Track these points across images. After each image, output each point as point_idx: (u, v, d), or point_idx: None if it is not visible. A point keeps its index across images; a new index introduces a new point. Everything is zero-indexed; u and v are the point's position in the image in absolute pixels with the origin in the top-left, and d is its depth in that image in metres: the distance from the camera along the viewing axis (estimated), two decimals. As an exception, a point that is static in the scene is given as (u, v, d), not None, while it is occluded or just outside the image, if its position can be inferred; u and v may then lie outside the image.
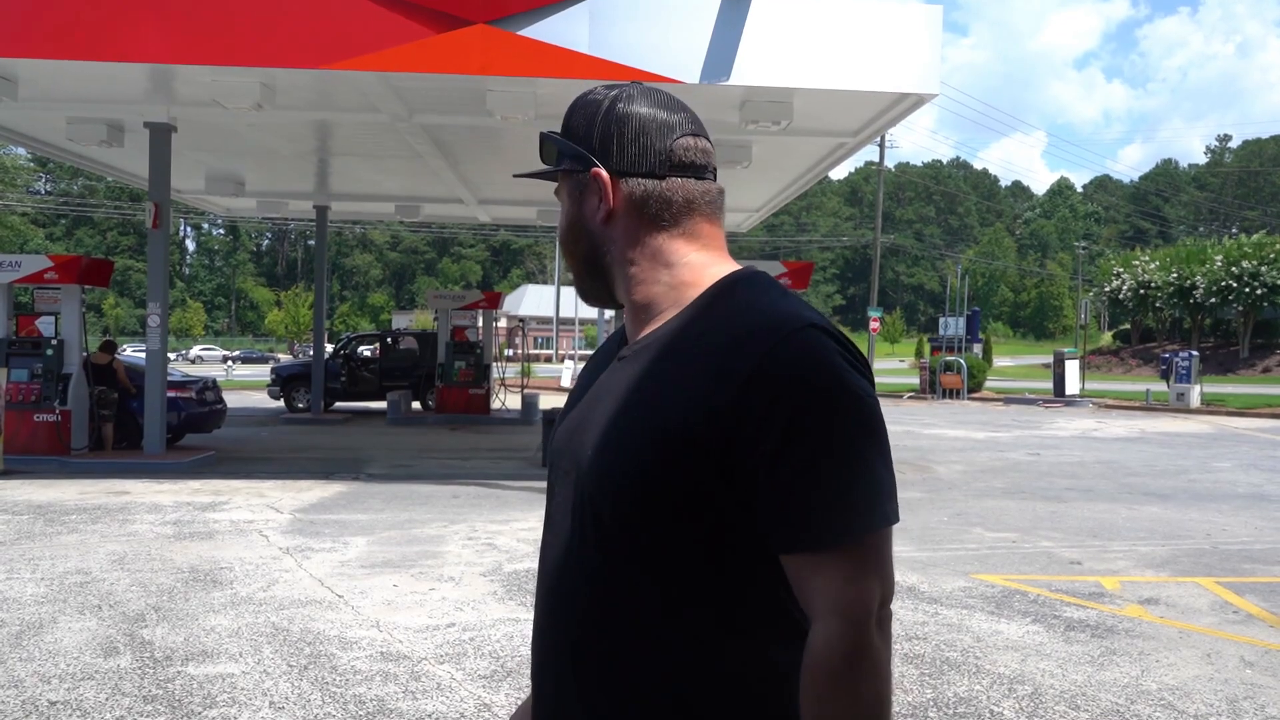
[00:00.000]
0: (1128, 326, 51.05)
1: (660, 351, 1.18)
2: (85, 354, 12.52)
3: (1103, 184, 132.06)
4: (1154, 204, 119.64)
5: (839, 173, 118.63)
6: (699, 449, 1.09)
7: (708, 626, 1.12)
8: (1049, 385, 28.27)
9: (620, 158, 1.24)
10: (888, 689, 1.07)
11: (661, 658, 1.13)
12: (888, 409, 23.31)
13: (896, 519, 1.10)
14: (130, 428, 12.90)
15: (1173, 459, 14.10)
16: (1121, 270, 46.30)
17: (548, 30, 9.59)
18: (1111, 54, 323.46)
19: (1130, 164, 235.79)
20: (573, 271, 1.32)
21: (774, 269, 14.02)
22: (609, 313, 27.19)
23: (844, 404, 1.08)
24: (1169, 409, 23.60)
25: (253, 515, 8.81)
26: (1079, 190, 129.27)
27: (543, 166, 1.32)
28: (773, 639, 1.12)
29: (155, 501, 9.46)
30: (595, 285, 1.30)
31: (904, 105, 10.75)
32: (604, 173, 1.24)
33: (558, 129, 1.30)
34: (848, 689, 1.05)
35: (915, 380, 31.93)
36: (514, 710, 4.47)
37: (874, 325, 47.37)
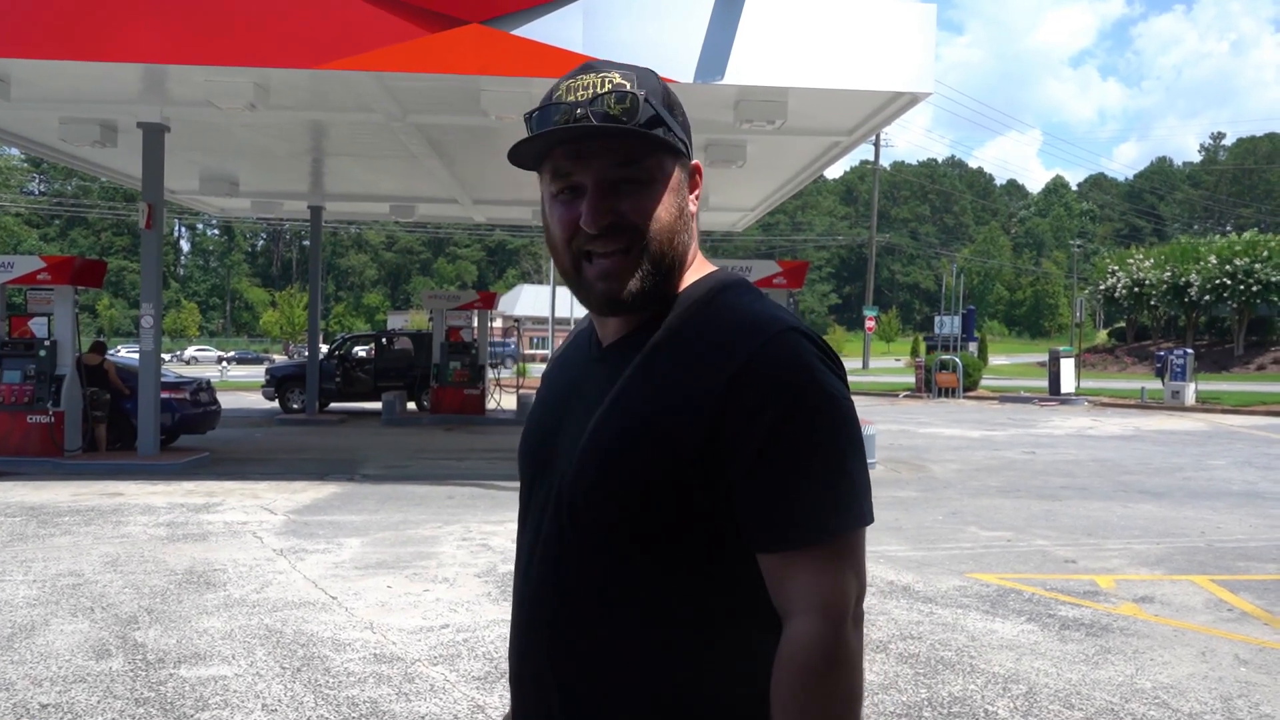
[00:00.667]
0: (1123, 324, 51.11)
1: (641, 353, 1.18)
2: (78, 355, 12.49)
3: (1098, 182, 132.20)
4: (1149, 202, 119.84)
5: (834, 172, 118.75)
6: (681, 450, 1.10)
7: (691, 622, 1.13)
8: (1044, 384, 28.27)
9: (690, 152, 1.24)
10: (860, 685, 1.10)
11: (645, 656, 1.13)
12: (884, 408, 23.34)
13: (872, 519, 1.12)
14: (124, 429, 12.86)
15: (1168, 457, 14.12)
16: (1116, 268, 46.35)
17: (542, 30, 9.58)
18: (1107, 52, 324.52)
19: (1125, 162, 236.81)
20: (652, 274, 1.16)
21: (769, 268, 14.02)
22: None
23: (824, 407, 1.10)
24: (1164, 407, 23.63)
25: (247, 517, 8.79)
26: (1074, 188, 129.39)
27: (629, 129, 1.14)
28: (756, 627, 1.13)
29: (149, 503, 9.43)
30: (656, 286, 1.18)
31: (898, 104, 10.76)
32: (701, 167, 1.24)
33: None
34: (824, 685, 1.06)
35: (911, 379, 31.94)
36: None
37: (869, 324, 47.43)
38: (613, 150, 1.14)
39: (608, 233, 1.15)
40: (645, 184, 1.16)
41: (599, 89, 1.14)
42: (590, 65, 1.18)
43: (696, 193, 1.22)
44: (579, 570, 1.16)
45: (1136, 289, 44.47)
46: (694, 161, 1.22)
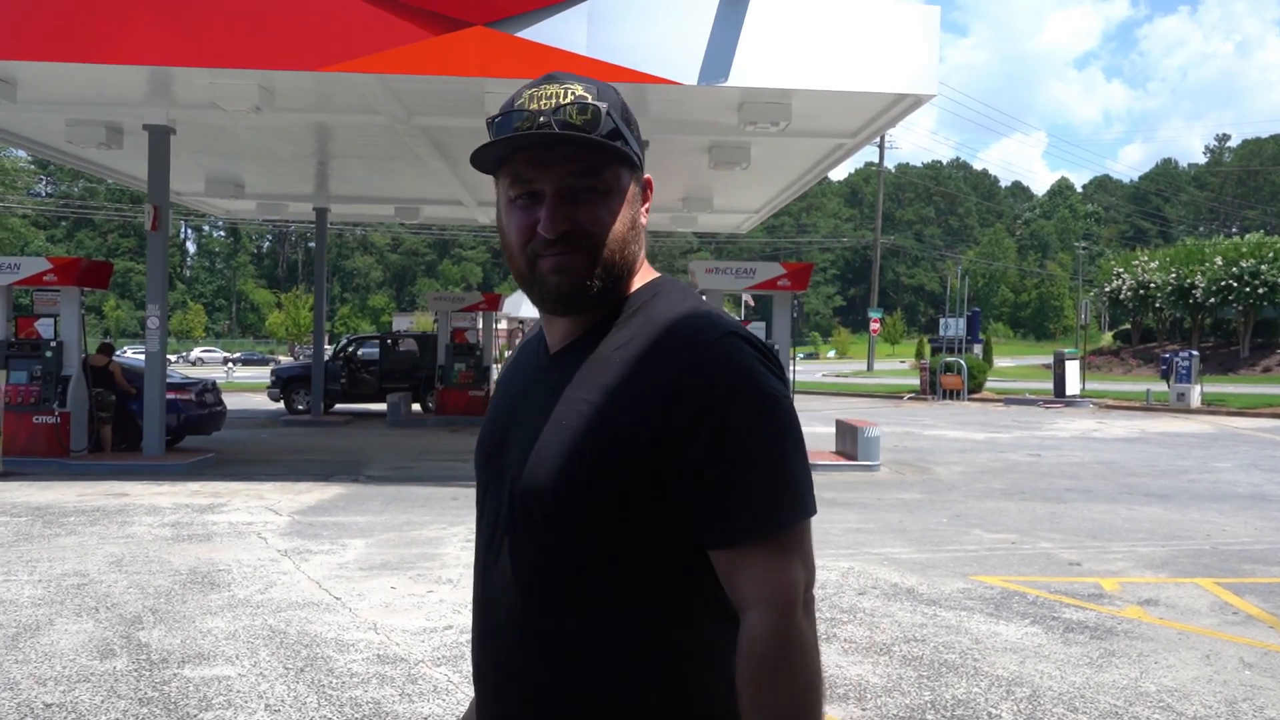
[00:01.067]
0: (1128, 327, 50.98)
1: (588, 359, 1.21)
2: (84, 356, 12.53)
3: (1103, 184, 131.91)
4: (1154, 204, 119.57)
5: (839, 173, 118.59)
6: (629, 453, 1.13)
7: (648, 618, 1.16)
8: (1049, 386, 28.22)
9: (643, 166, 1.27)
10: (818, 669, 1.13)
11: (605, 652, 1.16)
12: (889, 410, 23.33)
13: (815, 510, 1.17)
14: (130, 429, 12.90)
15: (1173, 459, 14.08)
16: (1121, 270, 46.22)
17: (546, 32, 9.59)
18: (1111, 54, 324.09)
19: (1130, 164, 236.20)
20: (603, 278, 1.19)
21: (773, 270, 14.02)
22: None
23: (765, 407, 1.14)
24: (1169, 409, 23.57)
25: (251, 517, 8.81)
26: (1079, 190, 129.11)
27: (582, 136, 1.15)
28: (714, 620, 1.17)
29: (154, 503, 9.45)
30: (606, 289, 1.21)
31: (902, 106, 10.76)
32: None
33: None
34: (781, 672, 1.10)
35: (915, 381, 31.90)
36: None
37: (874, 326, 47.39)
38: (574, 159, 1.17)
39: (564, 240, 1.17)
40: (604, 194, 1.18)
41: (562, 99, 1.16)
42: (553, 75, 1.20)
43: (647, 205, 1.27)
44: (534, 571, 1.19)
45: (1142, 291, 44.35)
46: (646, 176, 1.26)
